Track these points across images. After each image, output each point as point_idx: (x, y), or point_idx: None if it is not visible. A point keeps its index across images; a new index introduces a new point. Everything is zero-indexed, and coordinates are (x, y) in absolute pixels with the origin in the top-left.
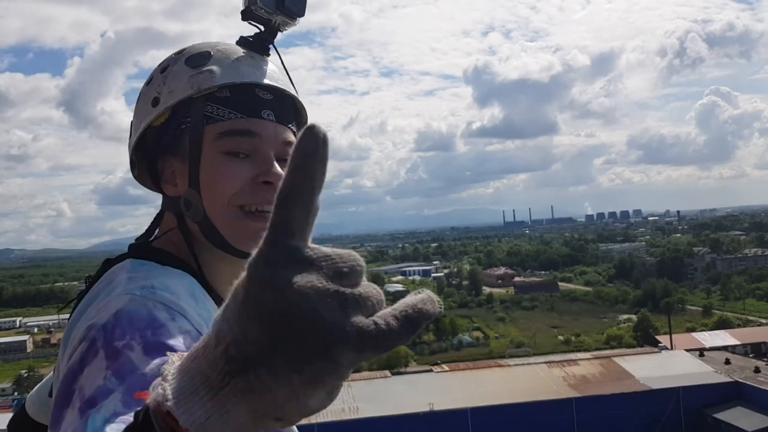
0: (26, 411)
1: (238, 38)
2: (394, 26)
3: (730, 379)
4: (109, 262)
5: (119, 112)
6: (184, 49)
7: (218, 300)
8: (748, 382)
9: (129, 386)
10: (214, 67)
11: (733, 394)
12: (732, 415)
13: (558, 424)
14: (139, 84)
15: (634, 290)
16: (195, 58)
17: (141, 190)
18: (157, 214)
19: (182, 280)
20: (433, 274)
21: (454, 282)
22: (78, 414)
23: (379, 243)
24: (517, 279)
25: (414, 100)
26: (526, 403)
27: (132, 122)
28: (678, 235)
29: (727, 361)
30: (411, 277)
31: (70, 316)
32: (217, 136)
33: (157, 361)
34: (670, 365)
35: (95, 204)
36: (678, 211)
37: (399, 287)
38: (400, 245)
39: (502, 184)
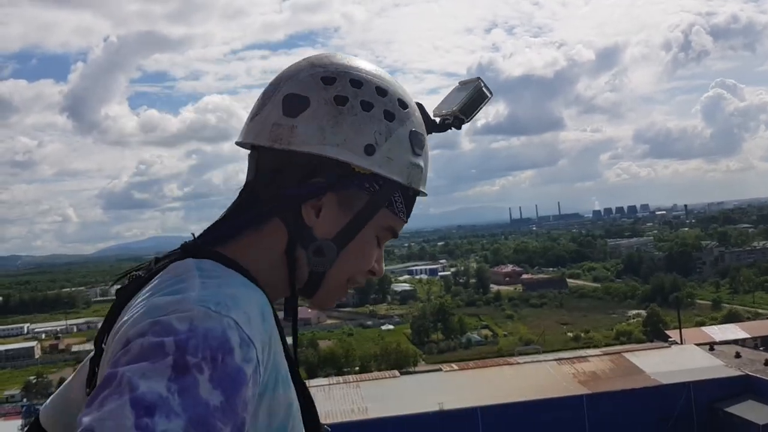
0: (40, 422)
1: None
2: (396, 25)
3: (740, 373)
4: (158, 262)
5: (123, 117)
6: (407, 107)
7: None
8: (758, 375)
9: (192, 418)
10: (422, 164)
11: (744, 387)
12: (743, 409)
13: (569, 421)
14: (143, 88)
15: (642, 285)
16: (417, 139)
17: (147, 194)
18: (256, 208)
19: (254, 294)
20: (440, 273)
21: (461, 280)
22: (130, 409)
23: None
24: (524, 276)
25: (417, 99)
26: (536, 400)
27: (314, 112)
28: (686, 229)
29: (738, 355)
30: (418, 276)
31: (110, 316)
32: (385, 225)
33: (216, 404)
34: (681, 360)
35: (101, 209)
36: (685, 205)
37: (406, 286)
38: (407, 244)
39: (507, 182)
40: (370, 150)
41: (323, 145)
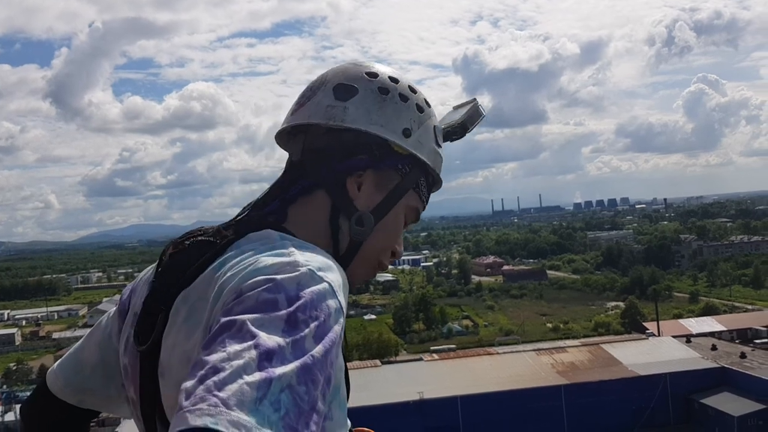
0: (47, 388)
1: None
2: (382, 15)
3: (716, 365)
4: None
5: (107, 104)
6: (430, 106)
7: None
8: (734, 368)
9: (301, 366)
10: (442, 153)
11: (720, 379)
12: (718, 400)
13: (547, 411)
14: (128, 75)
15: (621, 278)
16: (440, 132)
17: (129, 182)
18: (305, 181)
19: (336, 263)
20: (422, 264)
21: (443, 271)
22: (255, 352)
23: None
24: (505, 267)
25: None
26: (515, 390)
27: (362, 98)
28: (665, 222)
29: (714, 347)
30: (401, 267)
31: (171, 278)
32: (411, 205)
33: (318, 357)
34: (658, 352)
35: (83, 196)
36: (665, 199)
37: (388, 276)
38: None
39: (490, 173)
40: (407, 133)
41: (370, 125)
